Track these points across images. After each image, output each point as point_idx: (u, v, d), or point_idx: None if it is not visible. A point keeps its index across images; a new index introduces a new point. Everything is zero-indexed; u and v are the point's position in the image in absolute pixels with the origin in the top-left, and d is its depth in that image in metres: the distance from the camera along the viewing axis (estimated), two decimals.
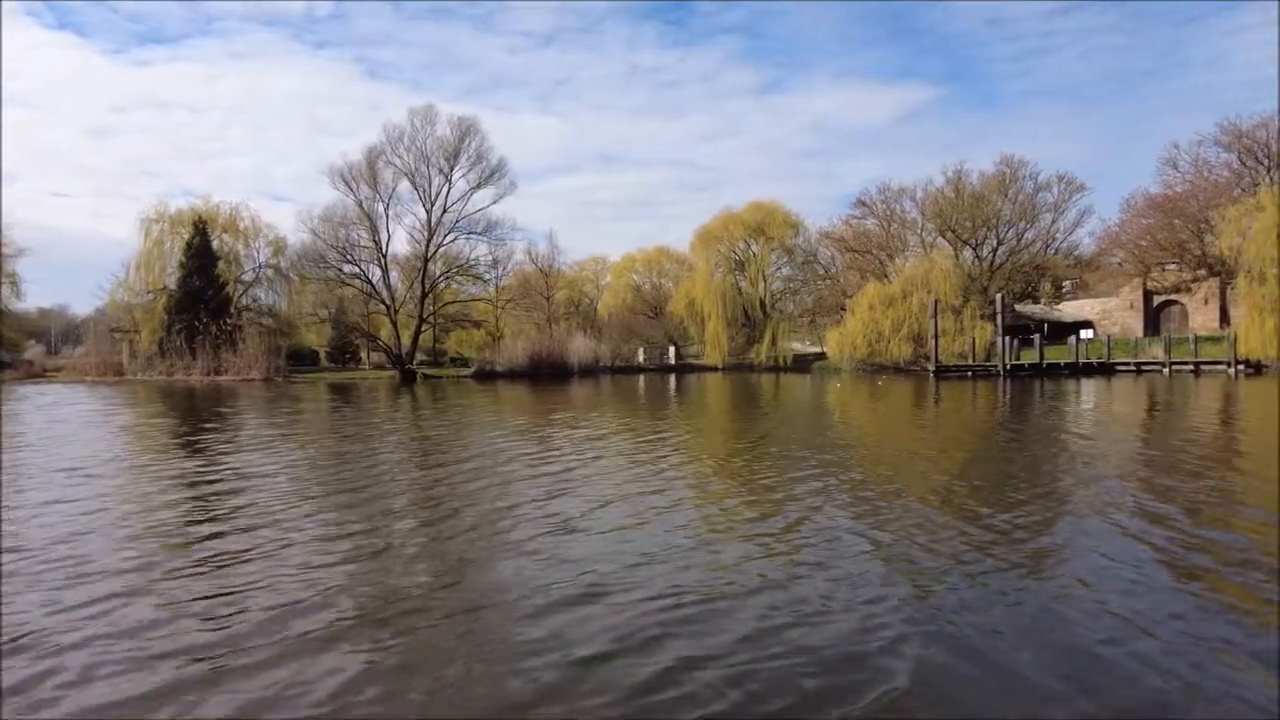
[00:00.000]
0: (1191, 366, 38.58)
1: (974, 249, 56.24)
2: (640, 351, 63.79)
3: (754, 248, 65.29)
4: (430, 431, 15.76)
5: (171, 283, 49.43)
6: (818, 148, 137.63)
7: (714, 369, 59.47)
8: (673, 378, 46.49)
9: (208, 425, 16.89)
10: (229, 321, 46.91)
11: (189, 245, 48.52)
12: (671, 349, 65.23)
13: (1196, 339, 40.62)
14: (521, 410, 22.00)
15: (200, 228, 49.01)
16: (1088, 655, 3.82)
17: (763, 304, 64.89)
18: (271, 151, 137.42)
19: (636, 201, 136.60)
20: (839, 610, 4.49)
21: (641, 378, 46.69)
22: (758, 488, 8.59)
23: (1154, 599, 4.64)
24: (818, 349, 60.14)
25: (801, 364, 58.52)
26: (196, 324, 45.92)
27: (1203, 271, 51.40)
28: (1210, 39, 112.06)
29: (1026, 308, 58.23)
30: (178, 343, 46.14)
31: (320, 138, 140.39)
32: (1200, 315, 51.55)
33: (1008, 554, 5.66)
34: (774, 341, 61.37)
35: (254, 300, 54.72)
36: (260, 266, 54.66)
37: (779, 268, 66.50)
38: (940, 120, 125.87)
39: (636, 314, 73.74)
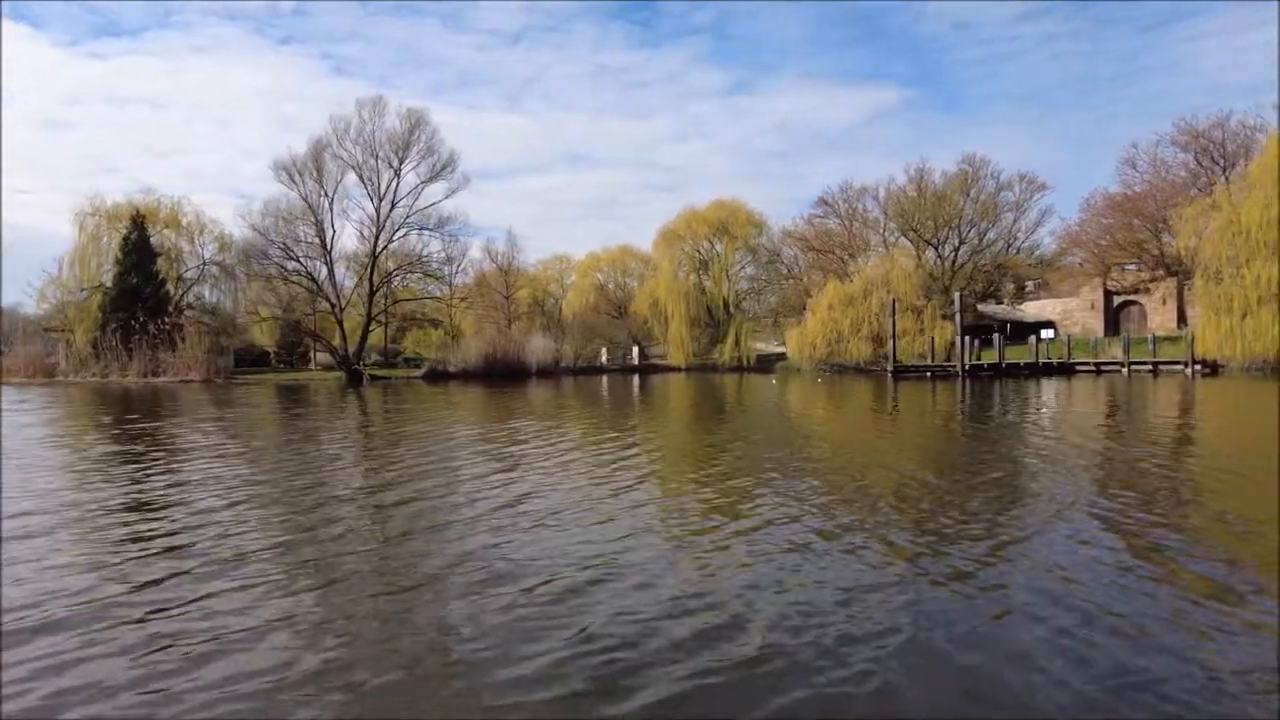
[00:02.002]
0: (1150, 366, 38.39)
1: (936, 248, 55.96)
2: (603, 352, 62.60)
3: (717, 247, 64.44)
4: (338, 446, 14.51)
5: (108, 280, 47.26)
6: (785, 149, 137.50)
7: (677, 369, 58.54)
8: (635, 379, 45.43)
9: (81, 434, 15.46)
10: (167, 320, 44.88)
11: (126, 241, 46.39)
12: (635, 349, 64.15)
13: (1155, 339, 40.50)
14: (458, 417, 20.76)
15: (138, 222, 46.89)
16: (1067, 655, 3.79)
17: (726, 304, 64.06)
18: (237, 148, 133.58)
19: (604, 202, 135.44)
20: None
21: (604, 379, 45.59)
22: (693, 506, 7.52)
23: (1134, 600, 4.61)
24: (782, 349, 59.47)
25: (765, 364, 57.79)
26: (133, 323, 43.89)
27: (1161, 271, 51.63)
28: (1170, 46, 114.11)
29: (989, 308, 58.10)
30: (113, 342, 44.05)
31: (287, 134, 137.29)
32: (1158, 315, 51.76)
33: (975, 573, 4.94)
34: (737, 342, 60.53)
35: (198, 298, 52.60)
36: (205, 264, 52.59)
37: (742, 267, 65.75)
38: (908, 122, 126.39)
39: (600, 314, 72.53)
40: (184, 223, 51.53)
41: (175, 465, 10.66)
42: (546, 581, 4.96)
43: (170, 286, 48.78)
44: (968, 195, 54.94)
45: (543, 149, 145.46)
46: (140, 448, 13.01)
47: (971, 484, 8.55)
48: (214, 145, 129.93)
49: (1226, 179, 44.05)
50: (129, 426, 17.07)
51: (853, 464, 10.25)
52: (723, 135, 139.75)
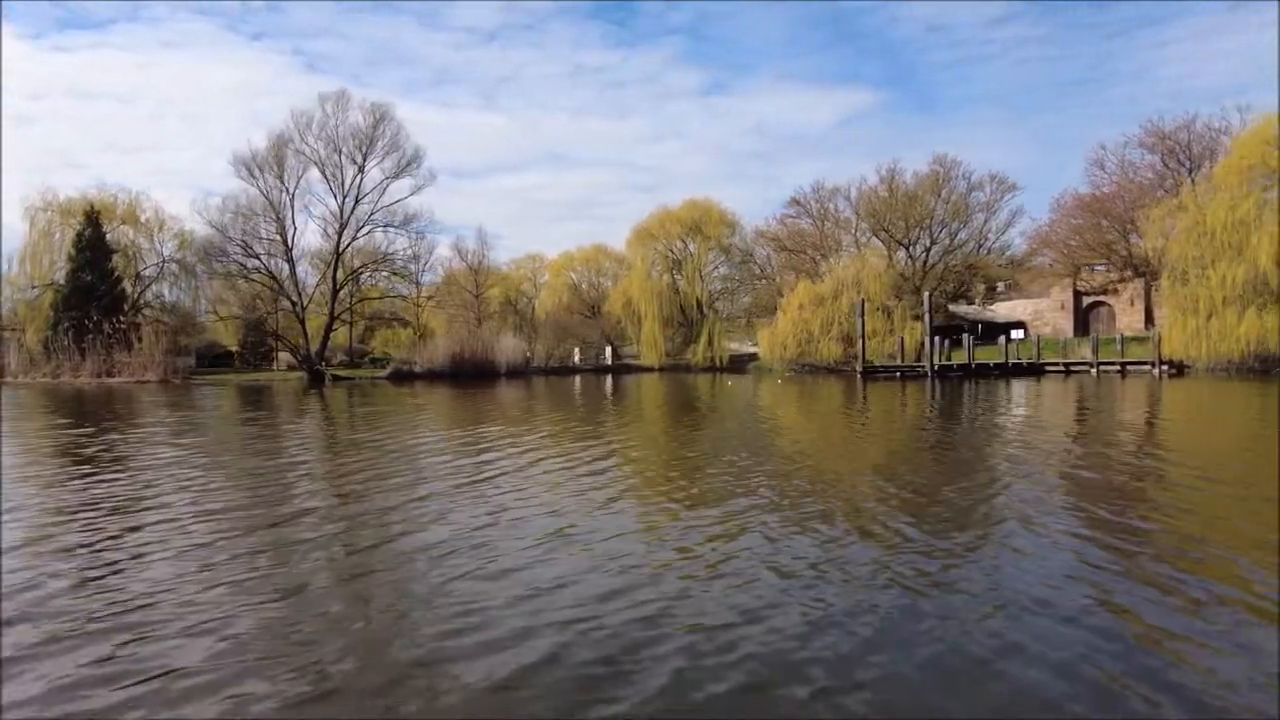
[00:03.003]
0: (1118, 367, 38.49)
1: (907, 249, 55.96)
2: (576, 352, 61.98)
3: (691, 246, 64.08)
4: (276, 460, 13.81)
5: (60, 277, 45.74)
6: (762, 150, 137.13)
7: (651, 369, 58.07)
8: (607, 379, 44.89)
9: None
10: (123, 319, 43.48)
11: (79, 237, 44.92)
12: (608, 349, 63.57)
13: (1123, 339, 40.65)
14: (415, 421, 20.06)
15: (93, 218, 45.45)
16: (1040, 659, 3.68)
17: (699, 303, 63.71)
18: (207, 145, 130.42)
19: (583, 202, 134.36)
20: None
21: (576, 379, 44.99)
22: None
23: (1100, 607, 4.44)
24: (756, 349, 59.25)
25: (738, 364, 57.51)
26: (86, 322, 42.49)
27: (1129, 272, 52.05)
28: (1135, 52, 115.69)
29: (960, 308, 58.23)
30: (65, 342, 42.60)
31: (258, 132, 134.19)
32: (1126, 316, 52.15)
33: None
34: (711, 342, 60.20)
35: (157, 297, 51.15)
36: (164, 261, 51.15)
37: (716, 267, 65.46)
38: (883, 124, 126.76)
39: (574, 314, 71.93)
40: (143, 219, 50.16)
41: (74, 481, 9.91)
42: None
43: (127, 284, 47.39)
44: (939, 196, 54.99)
45: (520, 148, 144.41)
46: (48, 456, 12.22)
47: (940, 489, 8.07)
48: (184, 142, 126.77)
49: (1192, 180, 44.41)
50: (57, 433, 16.19)
51: (816, 473, 9.77)
52: (701, 136, 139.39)
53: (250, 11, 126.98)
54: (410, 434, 15.01)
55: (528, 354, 54.96)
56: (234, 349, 55.06)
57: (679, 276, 64.89)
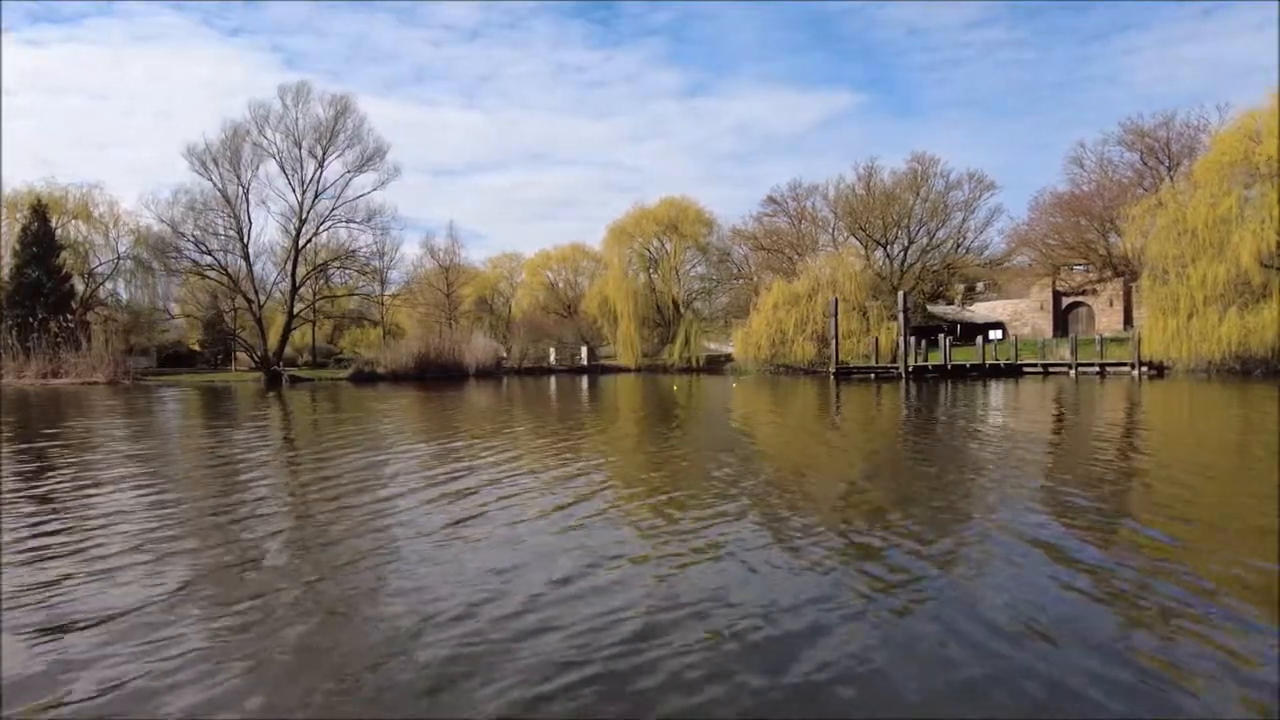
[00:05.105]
0: (1097, 368, 37.72)
1: (885, 248, 55.14)
2: (551, 352, 60.68)
3: (668, 245, 62.94)
4: (167, 488, 12.45)
5: (4, 273, 43.79)
6: (742, 151, 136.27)
7: (627, 370, 56.93)
8: (581, 380, 43.70)
9: None
10: (70, 318, 41.63)
11: (25, 231, 42.99)
12: (584, 349, 62.32)
13: (1102, 340, 39.89)
14: (357, 431, 18.72)
15: (40, 212, 43.48)
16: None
17: (676, 303, 62.59)
18: (180, 143, 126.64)
19: (564, 201, 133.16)
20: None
21: (551, 380, 43.73)
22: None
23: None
24: (733, 349, 58.28)
25: (714, 365, 56.47)
26: (31, 320, 40.62)
27: (1108, 272, 51.50)
28: (1109, 57, 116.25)
29: (939, 308, 57.49)
30: (9, 341, 40.69)
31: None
32: (1106, 316, 51.59)
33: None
34: (687, 342, 59.08)
35: (111, 294, 49.25)
36: (119, 258, 49.20)
37: (693, 266, 64.40)
38: (861, 126, 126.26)
39: (550, 313, 70.67)
40: (96, 214, 48.19)
41: None
42: None
43: (77, 281, 45.48)
44: (917, 194, 54.20)
45: (501, 146, 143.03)
46: None
47: (914, 507, 6.91)
48: (157, 139, 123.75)
49: (1171, 178, 43.84)
50: None
51: (780, 491, 8.60)
52: (681, 136, 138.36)
53: (227, 7, 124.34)
54: (346, 447, 13.70)
55: (502, 354, 53.65)
56: (197, 348, 53.38)
57: (655, 276, 63.75)
